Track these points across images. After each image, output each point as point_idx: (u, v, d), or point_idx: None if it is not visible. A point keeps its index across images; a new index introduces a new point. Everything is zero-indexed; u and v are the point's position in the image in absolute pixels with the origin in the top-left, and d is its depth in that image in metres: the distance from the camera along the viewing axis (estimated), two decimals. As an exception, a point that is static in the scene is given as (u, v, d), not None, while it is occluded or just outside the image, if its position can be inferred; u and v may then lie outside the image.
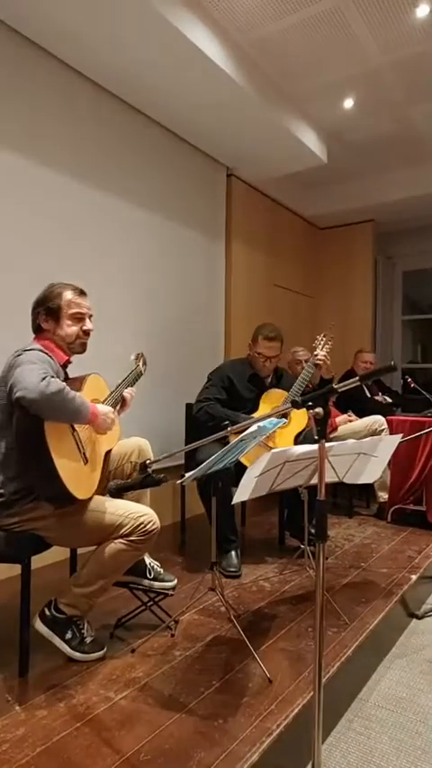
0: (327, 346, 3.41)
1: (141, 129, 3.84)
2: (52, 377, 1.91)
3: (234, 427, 2.23)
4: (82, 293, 2.25)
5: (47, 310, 2.17)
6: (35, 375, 1.86)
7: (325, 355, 3.37)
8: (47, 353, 2.08)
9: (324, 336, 3.44)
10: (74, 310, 2.19)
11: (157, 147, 4.00)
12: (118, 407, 2.34)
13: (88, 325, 2.24)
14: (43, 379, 1.85)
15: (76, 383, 2.19)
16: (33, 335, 2.23)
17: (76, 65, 3.25)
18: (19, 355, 2.00)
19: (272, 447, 3.17)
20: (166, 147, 4.09)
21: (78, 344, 2.23)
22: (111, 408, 2.18)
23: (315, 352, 3.39)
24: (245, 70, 3.52)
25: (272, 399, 3.34)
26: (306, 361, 3.42)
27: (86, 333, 2.24)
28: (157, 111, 3.82)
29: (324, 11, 3.17)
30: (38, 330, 2.22)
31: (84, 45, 3.06)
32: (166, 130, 4.07)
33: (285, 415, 3.23)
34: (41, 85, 3.10)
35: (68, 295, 2.19)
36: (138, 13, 2.81)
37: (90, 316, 2.27)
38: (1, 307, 2.88)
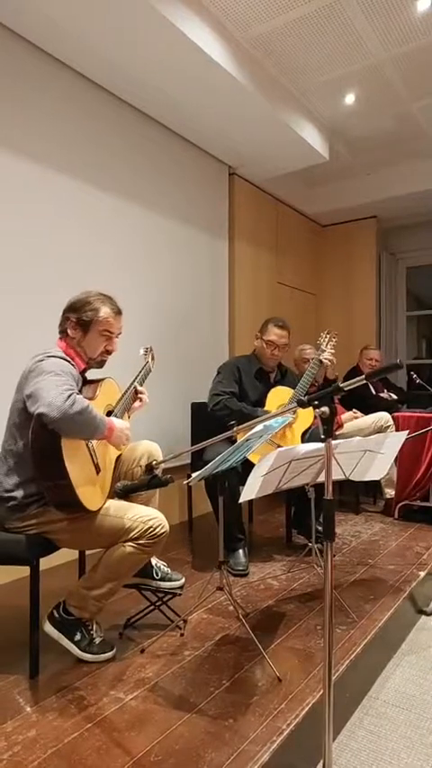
0: (331, 343, 3.39)
1: (142, 128, 3.84)
2: (77, 393, 1.90)
3: (240, 426, 2.23)
4: (118, 313, 2.24)
5: (78, 320, 2.16)
6: (59, 391, 1.83)
7: (331, 356, 3.36)
8: (68, 361, 2.07)
9: (328, 333, 3.42)
10: (104, 328, 2.19)
11: (159, 147, 4.00)
12: (128, 410, 2.34)
13: (113, 345, 2.25)
14: (69, 397, 1.82)
15: (91, 388, 2.20)
16: (58, 336, 2.22)
17: (74, 64, 3.25)
18: (40, 361, 1.98)
19: (280, 445, 3.18)
20: (168, 147, 4.09)
21: (97, 361, 2.24)
22: (126, 424, 2.17)
23: (321, 349, 3.37)
24: (245, 68, 3.52)
25: (279, 396, 3.34)
26: (312, 359, 3.41)
27: (109, 352, 2.25)
28: (158, 110, 3.82)
29: (324, 6, 3.16)
30: (64, 333, 2.20)
31: (83, 45, 3.06)
32: (167, 130, 4.07)
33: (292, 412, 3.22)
34: (40, 84, 3.09)
35: (104, 313, 2.18)
36: (135, 11, 2.81)
37: (118, 335, 2.26)
38: None
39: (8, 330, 2.88)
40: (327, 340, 3.39)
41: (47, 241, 3.12)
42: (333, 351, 3.39)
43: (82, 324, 2.16)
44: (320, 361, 3.33)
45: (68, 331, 2.18)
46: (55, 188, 3.18)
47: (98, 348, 2.20)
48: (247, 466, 2.61)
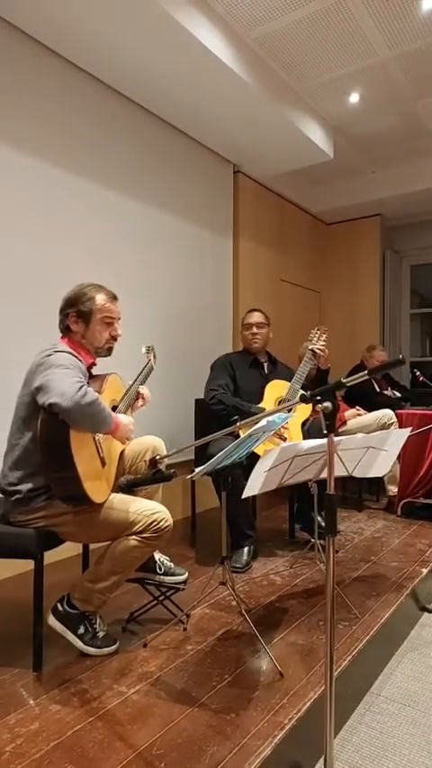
0: (322, 339, 3.47)
1: (148, 127, 3.83)
2: (87, 384, 1.91)
3: (243, 422, 2.23)
4: (114, 298, 2.26)
5: (78, 313, 2.17)
6: (71, 383, 1.85)
7: (323, 347, 3.44)
8: (75, 356, 2.08)
9: (318, 330, 3.51)
10: (105, 314, 2.20)
11: (164, 145, 4.00)
12: (131, 407, 2.36)
13: (117, 330, 2.26)
14: (80, 388, 1.84)
15: (97, 383, 2.21)
16: (60, 335, 2.22)
17: (79, 62, 3.24)
18: (49, 355, 1.99)
19: (281, 437, 3.21)
20: (174, 145, 4.09)
21: (105, 348, 2.26)
22: (131, 419, 2.19)
23: (313, 342, 3.45)
24: (251, 66, 3.51)
25: (276, 390, 3.37)
26: (306, 351, 3.48)
27: (115, 338, 2.26)
28: (162, 107, 3.81)
29: (329, 5, 3.15)
30: (66, 330, 2.21)
31: (88, 43, 3.06)
32: (172, 128, 4.06)
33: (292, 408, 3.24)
34: (45, 82, 3.10)
35: (101, 300, 2.20)
36: (142, 10, 2.80)
37: (119, 320, 2.28)
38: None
39: (8, 330, 2.88)
40: (317, 335, 3.47)
41: (49, 239, 3.12)
42: (324, 344, 3.48)
43: (82, 315, 2.18)
44: (314, 353, 3.42)
45: (70, 326, 2.19)
46: (58, 187, 3.18)
47: (103, 336, 2.22)
48: (253, 461, 2.62)
